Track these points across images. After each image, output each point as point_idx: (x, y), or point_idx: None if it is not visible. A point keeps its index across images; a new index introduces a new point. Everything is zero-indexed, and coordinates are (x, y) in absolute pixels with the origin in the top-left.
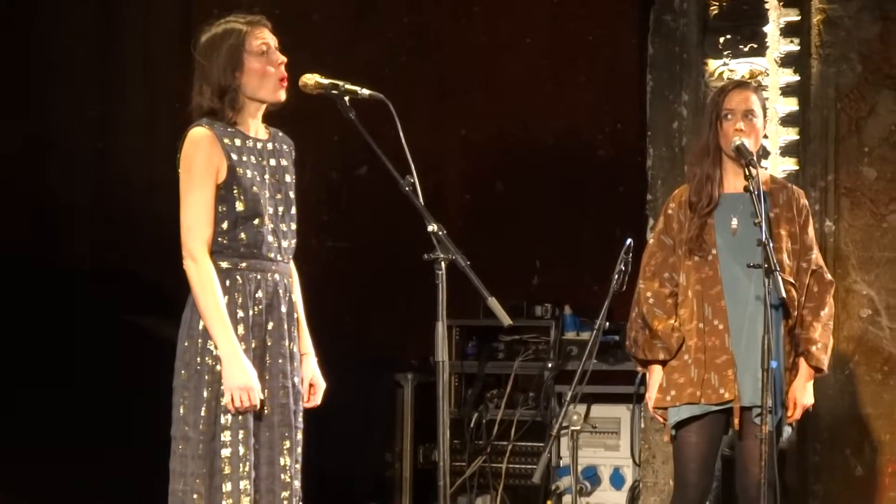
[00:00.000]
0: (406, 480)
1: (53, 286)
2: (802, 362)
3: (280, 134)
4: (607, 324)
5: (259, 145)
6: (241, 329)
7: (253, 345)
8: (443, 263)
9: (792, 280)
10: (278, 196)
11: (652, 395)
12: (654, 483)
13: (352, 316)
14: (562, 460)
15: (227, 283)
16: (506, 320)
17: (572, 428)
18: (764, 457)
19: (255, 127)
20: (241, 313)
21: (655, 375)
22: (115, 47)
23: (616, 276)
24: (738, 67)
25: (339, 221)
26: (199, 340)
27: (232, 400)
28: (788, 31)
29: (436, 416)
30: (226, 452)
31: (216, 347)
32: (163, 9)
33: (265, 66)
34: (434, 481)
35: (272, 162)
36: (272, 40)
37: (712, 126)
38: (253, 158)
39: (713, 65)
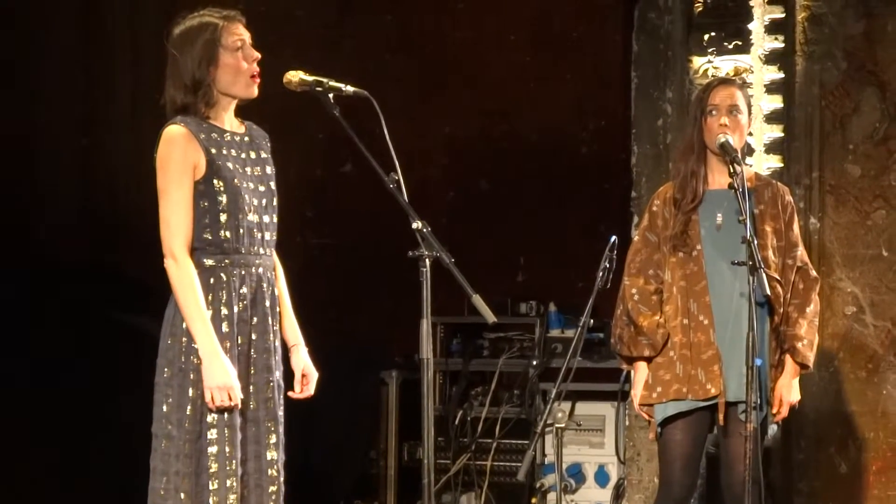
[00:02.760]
0: (391, 478)
1: (40, 284)
2: (788, 359)
3: (255, 127)
4: (592, 321)
5: (237, 138)
6: (225, 326)
7: (238, 341)
8: (427, 260)
9: (777, 277)
10: (260, 188)
11: (637, 393)
12: (639, 481)
13: (336, 313)
14: (546, 458)
15: (212, 280)
16: (490, 317)
17: (557, 425)
18: (749, 454)
19: (229, 121)
20: (225, 311)
21: (641, 372)
22: (101, 43)
23: (601, 274)
24: (723, 65)
25: (324, 218)
26: (184, 339)
27: (212, 399)
28: (773, 28)
29: (420, 413)
30: (213, 450)
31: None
32: (149, 4)
33: (239, 62)
34: (419, 479)
35: (252, 154)
36: (247, 36)
37: (697, 122)
38: (233, 151)
39: (698, 62)
